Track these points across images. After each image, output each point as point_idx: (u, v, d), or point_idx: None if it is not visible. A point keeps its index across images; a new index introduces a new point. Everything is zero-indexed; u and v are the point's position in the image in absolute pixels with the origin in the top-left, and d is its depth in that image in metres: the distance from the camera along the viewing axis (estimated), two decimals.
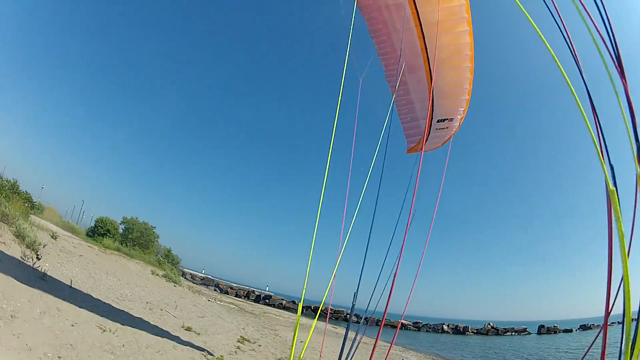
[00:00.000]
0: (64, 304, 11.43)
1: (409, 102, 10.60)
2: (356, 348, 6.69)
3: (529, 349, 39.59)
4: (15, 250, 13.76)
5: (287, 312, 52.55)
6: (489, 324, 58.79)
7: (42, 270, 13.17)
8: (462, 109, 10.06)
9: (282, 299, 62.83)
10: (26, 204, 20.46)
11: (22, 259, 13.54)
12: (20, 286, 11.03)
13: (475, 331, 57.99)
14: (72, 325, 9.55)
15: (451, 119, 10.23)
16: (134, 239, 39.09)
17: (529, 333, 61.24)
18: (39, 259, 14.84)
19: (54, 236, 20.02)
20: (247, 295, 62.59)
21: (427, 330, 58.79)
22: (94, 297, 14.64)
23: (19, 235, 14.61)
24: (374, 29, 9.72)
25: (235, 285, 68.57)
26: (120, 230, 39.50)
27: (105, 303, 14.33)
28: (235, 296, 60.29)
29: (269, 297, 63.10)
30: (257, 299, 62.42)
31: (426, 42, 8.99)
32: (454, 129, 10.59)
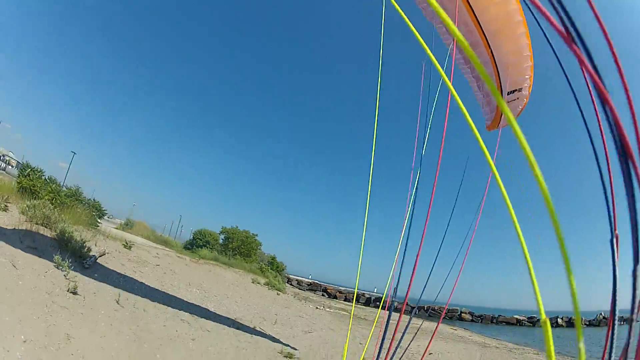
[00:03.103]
0: (85, 329, 7.17)
1: (478, 79, 10.47)
2: None
3: None
4: (48, 257, 10.04)
5: (404, 315, 46.01)
6: (601, 314, 50.43)
7: (73, 284, 9.12)
8: (528, 76, 9.81)
9: (394, 301, 56.48)
10: (93, 213, 18.07)
11: (56, 267, 9.74)
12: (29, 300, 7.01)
13: (587, 323, 49.88)
14: None
15: (520, 89, 10.06)
16: (234, 248, 37.09)
17: None
18: (87, 267, 11.10)
19: (127, 246, 16.95)
20: (357, 299, 57.61)
21: (541, 326, 50.00)
22: (155, 314, 10.40)
23: (61, 240, 10.95)
24: (428, 11, 9.52)
25: (343, 288, 64.09)
26: (220, 241, 37.90)
27: (166, 325, 9.93)
28: (344, 300, 55.70)
29: (379, 299, 57.55)
30: (368, 302, 57.10)
31: (477, 17, 8.76)
32: (525, 99, 10.35)
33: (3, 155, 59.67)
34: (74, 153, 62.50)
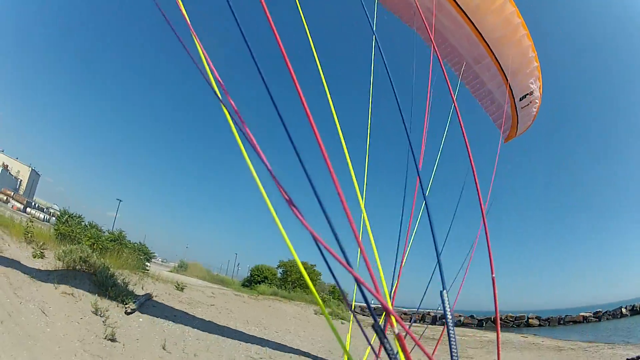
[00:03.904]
0: None
1: (489, 93, 10.27)
2: None
3: None
4: (85, 303, 8.99)
5: (469, 330, 41.81)
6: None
7: (111, 331, 7.92)
8: (536, 78, 9.67)
9: (460, 315, 51.87)
10: (140, 257, 17.32)
11: (94, 313, 8.65)
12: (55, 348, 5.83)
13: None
14: None
15: (531, 92, 9.92)
16: (293, 280, 35.62)
17: None
18: (131, 312, 9.95)
19: (178, 287, 15.87)
20: (422, 319, 53.48)
21: (607, 319, 49.89)
22: (209, 357, 8.97)
23: (101, 285, 9.97)
24: (427, 37, 9.19)
25: (407, 309, 60.24)
26: (279, 275, 36.80)
27: None
28: (409, 322, 51.87)
29: (444, 316, 52.62)
30: (434, 321, 52.65)
31: (477, 28, 8.66)
32: (538, 101, 10.19)
33: (47, 208, 62.56)
34: (120, 200, 64.19)
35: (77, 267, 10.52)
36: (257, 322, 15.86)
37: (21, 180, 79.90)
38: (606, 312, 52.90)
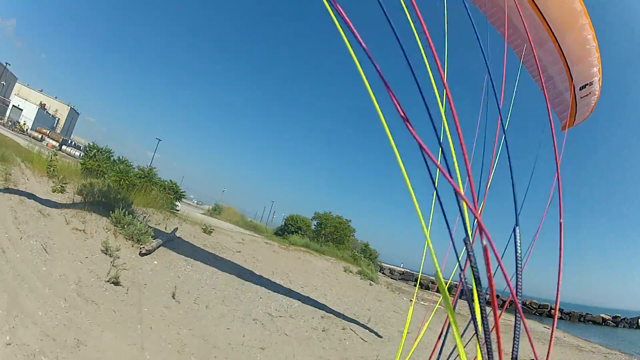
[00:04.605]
0: (110, 333, 5.18)
1: (549, 78, 9.52)
2: None
3: None
4: (96, 241, 8.47)
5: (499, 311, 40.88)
6: None
7: (115, 272, 7.33)
8: (597, 69, 9.02)
9: (486, 293, 50.91)
10: (170, 195, 16.97)
11: (104, 252, 8.12)
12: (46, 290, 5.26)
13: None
14: None
15: (591, 83, 9.29)
16: (326, 234, 35.06)
17: None
18: (146, 254, 9.44)
19: (206, 230, 15.46)
20: (449, 290, 52.27)
21: (624, 326, 49.32)
22: (220, 313, 8.32)
23: (118, 222, 9.45)
24: (490, 14, 8.97)
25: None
26: (313, 227, 36.21)
27: (230, 328, 7.74)
28: (437, 292, 50.92)
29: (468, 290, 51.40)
30: (462, 294, 51.58)
31: (541, 10, 8.12)
32: (597, 93, 9.51)
33: (84, 147, 63.86)
34: (159, 140, 65.85)
35: (96, 202, 10.07)
36: (284, 275, 15.29)
37: (59, 119, 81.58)
38: (624, 319, 53.16)
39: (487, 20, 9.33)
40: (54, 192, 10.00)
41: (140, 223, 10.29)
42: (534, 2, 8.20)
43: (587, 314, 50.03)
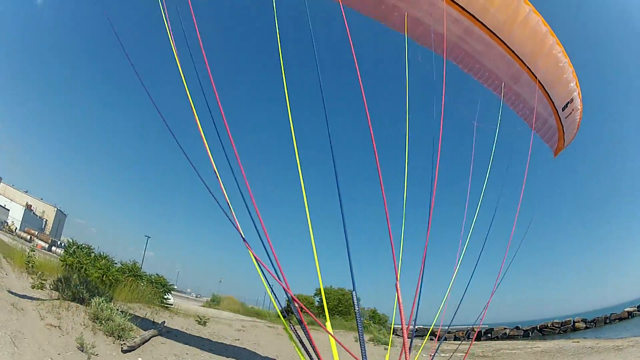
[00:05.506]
0: None
1: (532, 110, 10.10)
2: None
3: None
4: (72, 337, 7.75)
5: (518, 343, 37.85)
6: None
7: None
8: (574, 83, 9.63)
9: (505, 328, 49.44)
10: (157, 289, 16.21)
11: (79, 349, 7.38)
12: None
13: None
14: None
15: (572, 100, 9.87)
16: (331, 308, 34.77)
17: None
18: (127, 351, 8.62)
19: (200, 321, 14.58)
20: (468, 335, 49.32)
21: None
22: None
23: (96, 319, 8.78)
24: (464, 64, 9.85)
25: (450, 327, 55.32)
26: (316, 303, 35.80)
27: None
28: (454, 340, 47.96)
29: (490, 330, 48.92)
30: (479, 336, 48.96)
31: (507, 44, 8.76)
32: (579, 107, 10.16)
33: None
34: (148, 237, 61.54)
35: (74, 298, 9.43)
36: (290, 357, 14.08)
37: (46, 221, 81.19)
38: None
39: (463, 70, 10.12)
40: (33, 287, 9.59)
41: (121, 318, 9.54)
42: (499, 38, 8.78)
43: (612, 313, 48.98)
